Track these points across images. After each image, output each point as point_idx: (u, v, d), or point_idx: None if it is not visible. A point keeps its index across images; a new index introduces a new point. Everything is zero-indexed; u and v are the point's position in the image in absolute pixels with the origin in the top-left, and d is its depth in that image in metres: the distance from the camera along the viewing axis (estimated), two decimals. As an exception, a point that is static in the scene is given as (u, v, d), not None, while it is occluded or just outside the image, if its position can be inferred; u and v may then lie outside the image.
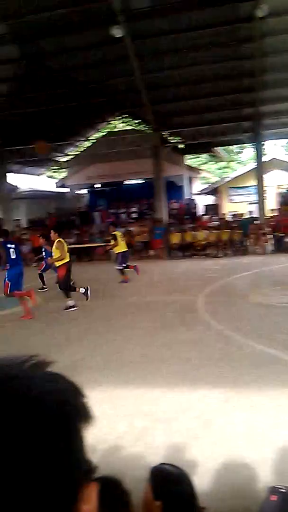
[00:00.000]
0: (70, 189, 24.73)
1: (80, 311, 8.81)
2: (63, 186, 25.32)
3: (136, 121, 23.51)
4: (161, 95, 16.25)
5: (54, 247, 9.28)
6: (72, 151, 25.55)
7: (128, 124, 25.06)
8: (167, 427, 3.90)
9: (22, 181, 24.05)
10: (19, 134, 19.71)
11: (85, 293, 9.40)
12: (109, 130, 25.69)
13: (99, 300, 9.82)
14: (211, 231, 17.34)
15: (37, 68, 15.92)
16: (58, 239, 9.23)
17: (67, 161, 24.40)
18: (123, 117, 24.79)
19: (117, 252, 12.38)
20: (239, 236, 17.26)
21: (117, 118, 25.18)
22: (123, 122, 25.91)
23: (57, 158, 24.75)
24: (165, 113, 17.32)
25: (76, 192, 25.72)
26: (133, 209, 22.70)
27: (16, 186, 22.79)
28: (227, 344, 6.07)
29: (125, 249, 12.42)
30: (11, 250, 8.79)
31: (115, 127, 26.57)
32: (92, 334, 7.11)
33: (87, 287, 9.48)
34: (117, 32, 13.04)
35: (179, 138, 19.02)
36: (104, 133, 24.87)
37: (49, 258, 10.05)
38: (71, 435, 0.51)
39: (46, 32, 13.81)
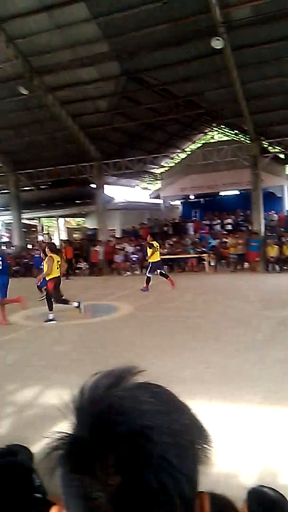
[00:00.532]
0: (164, 200, 25.02)
1: (170, 321, 8.78)
2: (157, 197, 25.70)
3: (234, 132, 23.22)
4: (261, 104, 15.85)
5: (44, 261, 9.86)
6: (168, 163, 25.91)
7: (225, 135, 24.84)
8: (265, 448, 3.68)
9: (117, 192, 24.84)
10: (117, 147, 20.44)
11: (78, 307, 9.76)
12: (205, 141, 25.65)
13: (190, 311, 9.72)
14: (313, 245, 16.44)
15: (136, 84, 16.42)
16: (50, 255, 9.68)
17: (162, 172, 24.75)
18: (220, 128, 24.64)
19: (150, 261, 13.09)
20: None
21: (214, 129, 25.09)
22: (220, 133, 25.75)
23: (152, 170, 25.21)
24: (265, 122, 16.86)
25: (170, 203, 25.95)
26: (228, 221, 22.29)
27: (112, 197, 23.57)
28: None
29: (158, 259, 13.26)
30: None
31: (211, 138, 26.48)
32: (181, 345, 7.02)
33: (80, 301, 9.84)
34: (217, 43, 12.97)
35: (280, 147, 18.39)
36: (200, 144, 24.86)
37: (41, 271, 10.57)
38: (190, 454, 0.52)
39: (145, 48, 14.19)
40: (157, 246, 13.33)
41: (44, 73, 15.52)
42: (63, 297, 9.96)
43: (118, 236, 22.37)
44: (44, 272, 9.78)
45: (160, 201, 25.19)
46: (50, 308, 9.59)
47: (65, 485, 0.50)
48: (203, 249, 18.35)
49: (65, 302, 9.88)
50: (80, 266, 19.72)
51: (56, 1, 12.72)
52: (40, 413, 4.70)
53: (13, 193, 21.90)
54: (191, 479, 0.50)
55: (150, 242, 13.27)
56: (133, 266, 18.80)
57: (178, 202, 26.90)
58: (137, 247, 19.27)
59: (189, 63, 14.82)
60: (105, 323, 9.11)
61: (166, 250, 18.95)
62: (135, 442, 0.47)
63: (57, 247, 11.77)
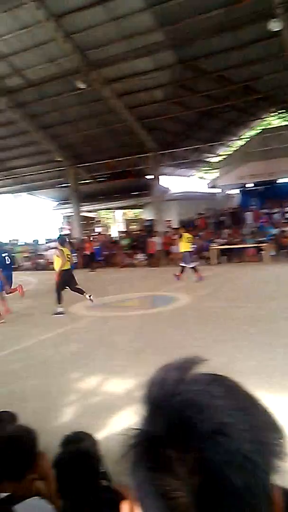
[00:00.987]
0: (221, 190, 24.60)
1: (228, 312, 8.66)
2: (214, 186, 25.32)
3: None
4: None
5: (55, 255, 10.18)
6: (224, 151, 25.43)
7: (285, 120, 23.99)
8: None
9: (173, 183, 24.74)
10: (173, 137, 20.30)
11: (90, 298, 10.13)
12: (263, 127, 24.89)
13: (248, 302, 9.52)
14: None
15: (191, 71, 16.17)
16: (60, 248, 10.08)
17: (219, 161, 24.33)
18: (279, 113, 23.81)
19: (182, 251, 13.49)
20: None
21: (272, 114, 24.29)
22: (279, 118, 24.89)
23: (208, 159, 24.83)
24: None
25: (227, 192, 25.49)
26: (289, 209, 21.54)
27: (168, 188, 23.50)
28: None
29: (189, 249, 13.44)
30: (6, 257, 10.66)
31: (269, 123, 25.66)
32: (241, 336, 6.90)
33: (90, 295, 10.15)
34: (274, 25, 12.51)
35: None
36: (258, 131, 24.17)
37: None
38: (269, 450, 0.50)
39: (201, 35, 13.92)
40: (188, 237, 13.58)
41: (100, 66, 15.66)
42: (73, 288, 10.23)
43: (175, 227, 22.30)
44: (58, 267, 10.00)
45: (217, 190, 24.80)
46: (59, 302, 9.79)
47: (142, 483, 0.49)
48: (263, 239, 17.90)
49: (80, 291, 10.20)
50: (137, 257, 19.88)
51: (110, -7, 12.78)
52: (103, 401, 4.82)
53: (73, 187, 22.43)
54: (271, 475, 0.50)
55: (181, 233, 13.78)
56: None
57: (236, 191, 26.36)
58: (194, 237, 19.07)
59: (246, 48, 14.42)
60: (163, 314, 9.15)
61: (224, 240, 18.67)
62: (215, 440, 0.46)
63: (66, 241, 12.11)
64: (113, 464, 0.55)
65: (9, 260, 10.91)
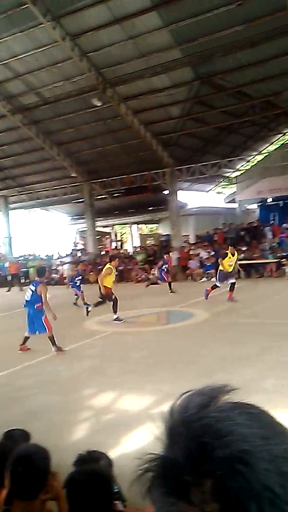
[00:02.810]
0: (239, 204, 24.44)
1: (247, 328, 8.47)
2: (232, 201, 25.18)
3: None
4: None
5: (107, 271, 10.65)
6: (243, 166, 25.33)
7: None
8: None
9: (191, 198, 24.68)
10: (190, 153, 20.32)
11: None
12: (283, 142, 24.74)
13: (268, 318, 9.33)
14: None
15: (209, 88, 16.19)
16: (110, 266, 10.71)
17: (237, 176, 24.22)
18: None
19: (222, 270, 12.11)
20: None
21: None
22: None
23: (226, 174, 24.72)
24: None
25: (246, 207, 25.31)
26: (310, 224, 21.18)
27: (185, 203, 23.44)
28: None
29: (230, 270, 12.10)
30: None
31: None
32: (260, 352, 6.73)
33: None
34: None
35: None
36: (278, 146, 24.04)
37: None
38: None
39: (219, 51, 13.94)
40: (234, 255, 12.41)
41: (117, 84, 15.80)
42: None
43: (193, 242, 22.17)
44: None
45: (235, 205, 24.65)
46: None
47: (159, 508, 0.48)
48: (283, 254, 17.64)
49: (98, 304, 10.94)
50: (153, 272, 19.73)
51: (127, 12, 12.88)
52: (116, 418, 4.72)
53: (87, 202, 22.52)
54: None
55: (232, 251, 12.42)
56: (208, 272, 18.41)
57: (254, 206, 26.14)
58: (211, 252, 18.88)
59: (265, 63, 14.35)
60: (180, 330, 9.01)
61: (242, 255, 18.44)
62: (234, 468, 0.44)
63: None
64: (128, 484, 0.51)
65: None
